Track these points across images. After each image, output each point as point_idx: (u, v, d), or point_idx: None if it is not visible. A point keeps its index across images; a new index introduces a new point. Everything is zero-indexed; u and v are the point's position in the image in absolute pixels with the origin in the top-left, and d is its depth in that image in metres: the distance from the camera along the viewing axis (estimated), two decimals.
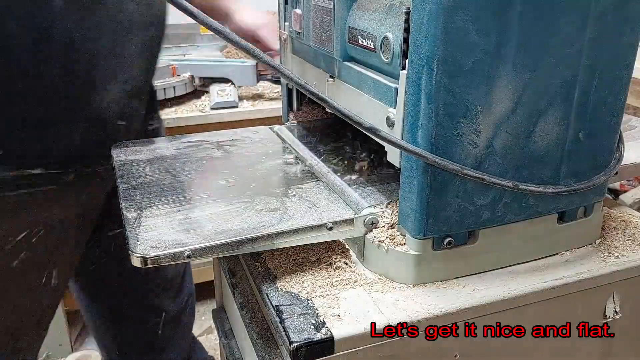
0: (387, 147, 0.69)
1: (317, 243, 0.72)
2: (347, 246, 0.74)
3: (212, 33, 1.94)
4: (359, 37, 0.73)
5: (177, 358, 1.30)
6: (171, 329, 1.25)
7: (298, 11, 0.90)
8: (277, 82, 1.65)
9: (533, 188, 0.66)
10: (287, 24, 0.97)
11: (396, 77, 0.65)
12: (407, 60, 0.61)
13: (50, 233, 0.94)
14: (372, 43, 0.70)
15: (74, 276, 1.14)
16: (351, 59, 0.78)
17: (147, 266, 0.61)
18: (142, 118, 1.04)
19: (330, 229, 0.69)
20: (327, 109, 0.87)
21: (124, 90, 0.94)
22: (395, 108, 0.65)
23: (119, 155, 0.90)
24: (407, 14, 0.60)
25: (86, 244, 1.06)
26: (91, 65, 0.86)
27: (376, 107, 0.70)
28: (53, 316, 1.06)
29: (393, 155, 0.68)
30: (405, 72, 0.62)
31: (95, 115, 0.91)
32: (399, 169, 0.67)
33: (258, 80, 1.67)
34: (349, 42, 0.77)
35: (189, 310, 1.30)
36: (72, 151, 0.90)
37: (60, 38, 0.81)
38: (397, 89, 0.64)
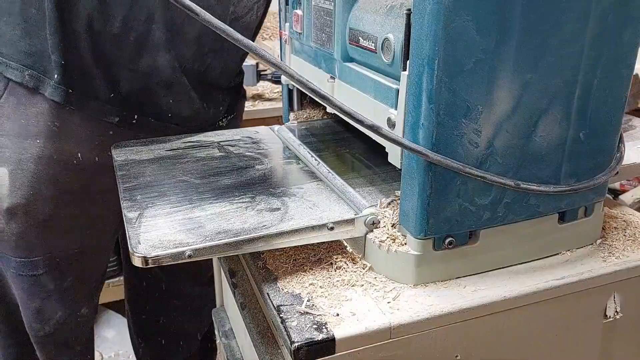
0: (388, 148, 0.69)
1: (318, 243, 0.72)
2: (348, 246, 0.74)
3: None
4: (360, 38, 0.73)
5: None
6: (187, 318, 1.34)
7: (299, 12, 0.90)
8: (277, 82, 1.65)
9: (534, 187, 0.66)
10: (287, 24, 0.97)
11: (397, 78, 0.65)
12: (408, 62, 0.61)
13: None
14: (373, 44, 0.70)
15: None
16: (352, 60, 0.78)
17: (148, 266, 0.61)
18: (197, 105, 1.05)
19: (331, 229, 0.69)
20: (327, 108, 0.87)
21: (173, 64, 0.97)
22: (396, 109, 0.65)
23: (119, 155, 0.90)
24: (408, 16, 0.60)
25: None
26: (146, 28, 0.92)
27: (377, 108, 0.70)
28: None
29: (394, 156, 0.68)
30: (406, 73, 0.62)
31: (140, 77, 0.95)
32: (400, 170, 0.67)
33: (258, 80, 1.67)
34: (349, 43, 0.77)
35: (208, 300, 1.37)
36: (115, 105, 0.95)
37: None
38: (398, 90, 0.64)
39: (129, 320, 1.41)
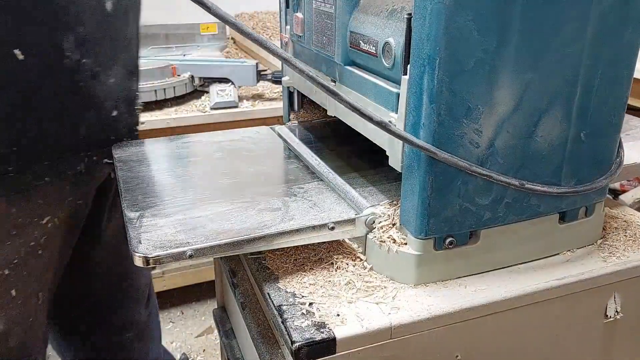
0: (389, 151, 0.69)
1: (318, 243, 0.72)
2: (348, 246, 0.74)
3: (212, 33, 1.91)
4: (361, 41, 0.73)
5: None
6: (142, 345, 1.20)
7: (299, 15, 0.90)
8: (277, 82, 1.65)
9: (538, 187, 0.66)
10: (288, 27, 0.97)
11: (397, 82, 0.65)
12: (408, 66, 0.61)
13: (43, 234, 0.89)
14: (374, 48, 0.70)
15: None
16: (352, 64, 0.78)
17: (150, 266, 0.61)
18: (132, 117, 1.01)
19: (332, 228, 0.69)
20: (328, 110, 0.87)
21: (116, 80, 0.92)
22: (396, 113, 0.65)
23: (119, 155, 0.90)
24: (409, 20, 0.60)
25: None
26: (80, 54, 0.84)
27: (377, 112, 0.69)
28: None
29: (394, 160, 0.68)
30: (406, 77, 0.62)
31: (87, 103, 0.88)
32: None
33: (258, 80, 1.67)
34: (350, 46, 0.77)
35: (156, 324, 1.25)
36: (67, 142, 0.88)
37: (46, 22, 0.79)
38: (398, 94, 0.64)
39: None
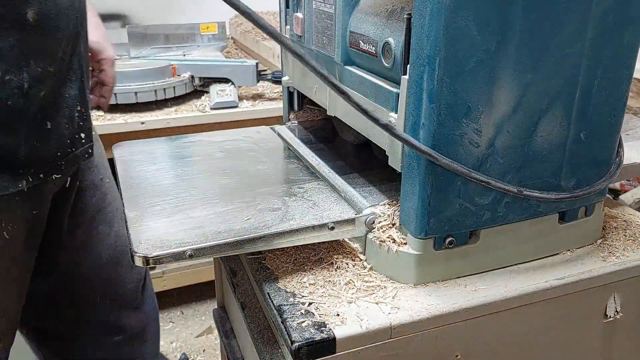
0: (389, 151, 0.69)
1: (318, 243, 0.72)
2: (348, 246, 0.74)
3: (212, 33, 1.91)
4: (360, 41, 0.73)
5: None
6: (134, 348, 1.17)
7: (299, 15, 0.90)
8: (277, 82, 1.65)
9: (536, 194, 0.66)
10: (288, 27, 0.97)
11: (397, 82, 0.65)
12: (408, 66, 0.61)
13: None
14: (374, 48, 0.70)
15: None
16: (352, 64, 0.78)
17: (149, 265, 0.61)
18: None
19: (332, 228, 0.69)
20: (328, 110, 0.87)
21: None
22: (396, 113, 0.65)
23: (120, 155, 0.90)
24: (409, 20, 0.60)
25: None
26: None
27: (377, 112, 0.69)
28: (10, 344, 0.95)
29: (394, 160, 0.68)
30: (406, 77, 0.62)
31: (17, 119, 0.80)
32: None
33: (258, 80, 1.67)
34: (350, 46, 0.77)
35: (152, 328, 1.21)
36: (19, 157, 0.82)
37: None
38: (398, 94, 0.64)
39: None
